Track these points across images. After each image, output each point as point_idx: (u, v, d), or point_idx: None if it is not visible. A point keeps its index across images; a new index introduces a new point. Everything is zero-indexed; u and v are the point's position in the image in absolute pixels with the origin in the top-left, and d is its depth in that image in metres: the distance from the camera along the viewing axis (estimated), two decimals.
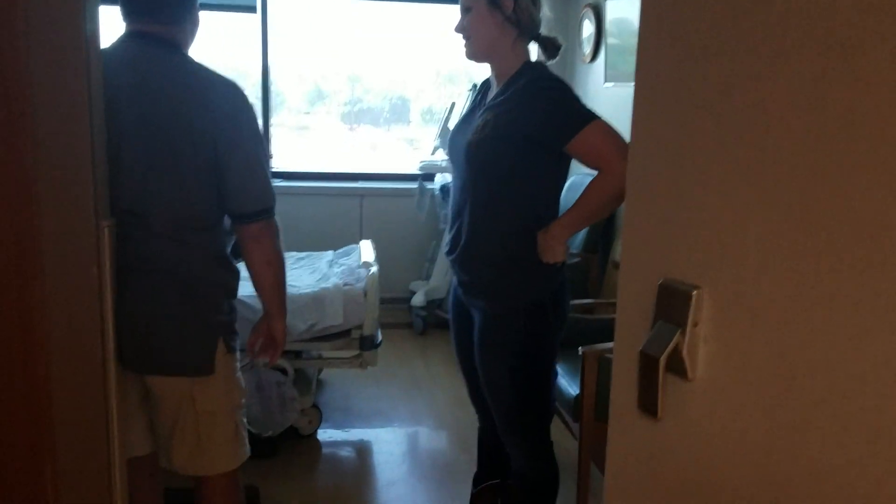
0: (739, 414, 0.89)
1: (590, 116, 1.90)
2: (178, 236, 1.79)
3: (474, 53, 2.02)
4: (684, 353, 0.92)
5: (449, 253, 2.14)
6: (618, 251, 3.91)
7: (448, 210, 2.19)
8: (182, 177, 1.77)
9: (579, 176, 4.05)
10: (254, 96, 1.86)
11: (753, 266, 0.85)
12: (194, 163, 1.76)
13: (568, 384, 2.80)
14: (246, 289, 2.19)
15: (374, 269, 3.17)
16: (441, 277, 4.66)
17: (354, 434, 3.45)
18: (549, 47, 2.06)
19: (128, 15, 1.81)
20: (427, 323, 4.78)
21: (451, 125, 4.32)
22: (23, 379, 1.44)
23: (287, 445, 3.22)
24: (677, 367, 0.93)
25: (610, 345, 2.62)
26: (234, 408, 1.95)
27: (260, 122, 4.90)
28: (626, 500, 1.07)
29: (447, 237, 2.17)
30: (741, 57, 0.86)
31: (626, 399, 1.02)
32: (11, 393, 1.43)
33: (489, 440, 2.39)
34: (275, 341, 2.02)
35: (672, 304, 0.93)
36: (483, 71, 2.15)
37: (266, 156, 1.86)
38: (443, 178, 4.57)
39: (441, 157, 4.62)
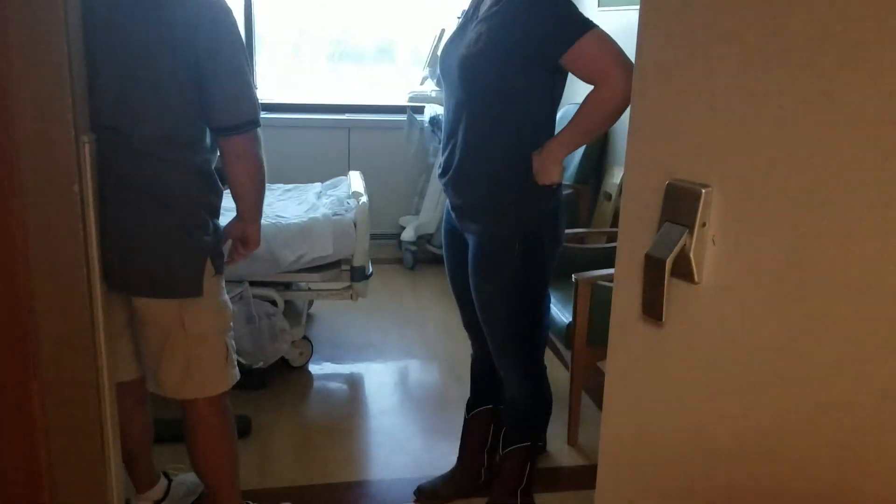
0: (748, 315, 0.86)
1: (587, 25, 1.82)
2: (160, 153, 1.73)
3: None
4: (691, 254, 0.89)
5: (442, 175, 2.09)
6: (609, 182, 3.87)
7: (438, 141, 2.13)
8: (162, 89, 1.70)
9: (571, 106, 3.98)
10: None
11: (767, 159, 0.81)
12: (174, 74, 1.70)
13: (560, 312, 2.79)
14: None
15: (363, 199, 3.11)
16: (431, 212, 4.61)
17: (345, 366, 3.45)
18: None
19: None
20: (417, 258, 4.75)
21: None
22: (5, 304, 1.39)
23: (278, 377, 3.22)
24: (684, 269, 0.90)
25: (602, 272, 2.61)
26: (224, 329, 1.93)
27: None
28: (627, 407, 1.05)
29: (440, 160, 2.12)
30: None
31: (629, 305, 0.99)
32: None
33: (482, 367, 2.39)
34: (248, 243, 1.99)
35: (679, 205, 0.90)
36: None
37: (249, 66, 1.79)
38: (432, 110, 4.48)
39: (430, 87, 4.52)
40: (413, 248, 4.70)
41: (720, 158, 0.86)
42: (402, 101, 4.77)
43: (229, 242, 2.01)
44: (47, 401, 1.46)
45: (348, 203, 3.16)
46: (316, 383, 3.28)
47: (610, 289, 1.04)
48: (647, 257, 0.91)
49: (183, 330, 1.84)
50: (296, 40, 5.40)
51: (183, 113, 1.73)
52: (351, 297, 3.17)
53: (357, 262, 3.06)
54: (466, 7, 2.10)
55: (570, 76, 1.94)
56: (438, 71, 2.13)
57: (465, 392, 2.49)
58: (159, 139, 1.73)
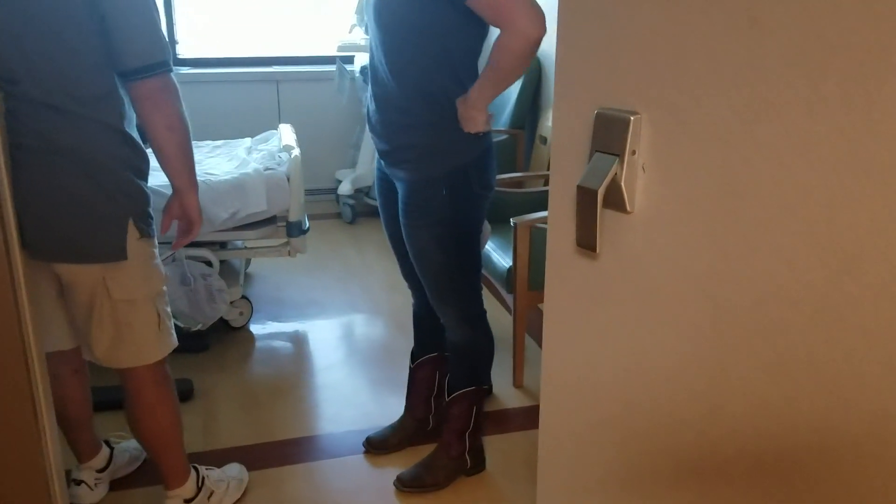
0: (681, 243, 0.86)
1: None
2: (67, 107, 1.64)
3: None
4: (622, 183, 0.88)
5: (369, 121, 2.05)
6: (545, 126, 3.87)
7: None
8: (65, 38, 1.60)
9: None
10: None
11: (695, 83, 0.80)
12: (75, 20, 1.60)
13: (500, 257, 2.80)
14: (158, 178, 2.05)
15: (295, 151, 3.04)
16: (368, 164, 4.54)
17: (288, 324, 3.41)
18: None
19: None
20: (356, 212, 4.69)
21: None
22: None
23: (219, 339, 3.16)
24: (616, 199, 0.90)
25: (540, 214, 2.62)
26: (154, 295, 1.85)
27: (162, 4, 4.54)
28: (567, 341, 1.05)
29: (369, 106, 2.08)
30: None
31: (564, 238, 0.98)
32: None
33: (424, 316, 2.38)
34: (190, 219, 1.89)
35: (609, 134, 0.89)
36: None
37: (154, 3, 1.68)
38: (363, 60, 4.38)
39: (360, 35, 4.41)
40: (351, 201, 4.64)
41: (648, 85, 0.85)
42: (331, 50, 4.64)
43: (173, 223, 1.91)
44: None
45: (280, 157, 3.09)
46: (259, 343, 3.24)
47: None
48: (579, 189, 0.90)
49: (108, 296, 1.77)
50: None
51: (88, 62, 1.63)
52: (289, 254, 3.12)
53: (293, 217, 3.00)
54: None
55: None
56: (365, 17, 2.07)
57: (409, 343, 2.49)
58: (65, 90, 1.63)
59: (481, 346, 2.25)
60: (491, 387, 2.80)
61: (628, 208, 0.89)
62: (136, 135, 1.76)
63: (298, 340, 3.31)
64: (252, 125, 4.32)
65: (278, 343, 3.27)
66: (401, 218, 2.06)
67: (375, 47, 1.96)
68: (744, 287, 0.81)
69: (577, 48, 0.94)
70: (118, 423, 2.30)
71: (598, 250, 0.92)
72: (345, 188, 4.58)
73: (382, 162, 2.10)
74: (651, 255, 0.90)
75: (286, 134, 3.36)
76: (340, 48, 4.49)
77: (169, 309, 1.93)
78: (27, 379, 1.53)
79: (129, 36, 1.64)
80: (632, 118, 0.86)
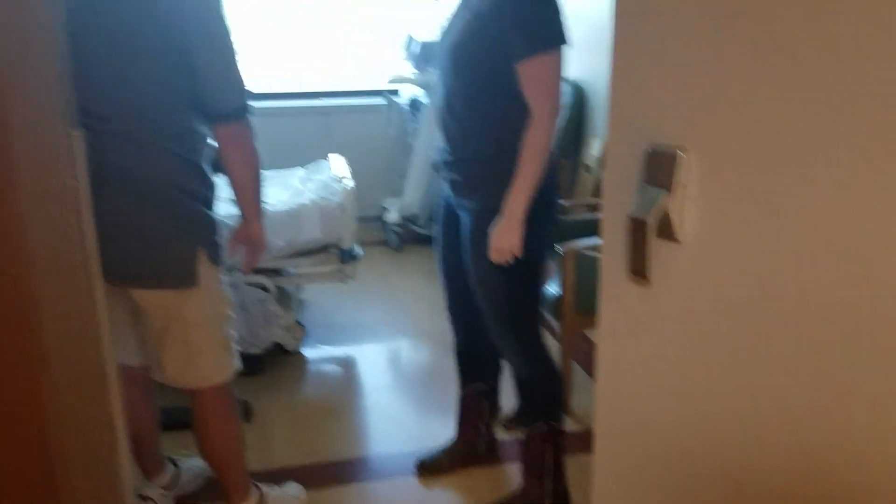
0: (729, 269, 0.91)
1: (554, 41, 1.88)
2: (151, 141, 1.75)
3: None
4: (672, 215, 0.94)
5: (442, 158, 2.14)
6: (588, 155, 3.93)
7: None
8: (149, 74, 1.71)
9: None
10: None
11: (738, 118, 0.86)
12: (162, 59, 1.71)
13: (547, 284, 2.85)
14: (222, 209, 2.16)
15: (350, 182, 3.15)
16: (414, 192, 4.63)
17: (339, 348, 3.50)
18: None
19: None
20: (403, 239, 4.78)
21: (417, 36, 4.23)
22: (12, 302, 1.42)
23: (274, 362, 3.26)
24: (666, 230, 0.96)
25: (587, 241, 2.67)
26: (222, 319, 1.96)
27: None
28: (620, 369, 1.10)
29: (438, 144, 2.17)
30: None
31: (616, 268, 1.04)
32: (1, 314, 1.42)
33: (466, 351, 2.42)
34: (256, 244, 2.02)
35: (659, 168, 0.95)
36: None
37: (235, 50, 1.81)
38: (412, 93, 4.50)
39: (410, 70, 4.54)
40: (398, 229, 4.73)
41: (696, 121, 0.92)
42: (380, 83, 4.78)
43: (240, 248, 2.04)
44: (56, 395, 1.50)
45: (334, 186, 3.19)
46: (311, 366, 3.33)
47: (593, 258, 1.09)
48: (631, 219, 0.96)
49: (181, 320, 1.87)
50: (268, 26, 5.36)
51: (170, 98, 1.74)
52: (341, 280, 3.21)
53: (345, 245, 3.10)
54: None
55: None
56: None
57: (454, 367, 2.54)
58: (144, 125, 1.74)
59: (542, 380, 2.23)
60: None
61: (678, 238, 0.95)
62: (208, 168, 1.88)
63: (348, 364, 3.40)
64: (303, 156, 4.45)
65: (329, 366, 3.36)
66: (467, 246, 2.12)
67: (449, 88, 2.06)
68: (791, 306, 0.85)
69: (629, 86, 1.01)
70: (182, 442, 2.40)
71: (650, 279, 0.98)
72: (392, 216, 4.68)
73: (452, 192, 2.17)
74: (701, 282, 0.95)
75: (337, 164, 3.47)
76: (392, 81, 4.62)
77: (234, 332, 2.03)
78: (106, 401, 1.63)
79: (219, 85, 1.77)
80: (681, 153, 0.92)
